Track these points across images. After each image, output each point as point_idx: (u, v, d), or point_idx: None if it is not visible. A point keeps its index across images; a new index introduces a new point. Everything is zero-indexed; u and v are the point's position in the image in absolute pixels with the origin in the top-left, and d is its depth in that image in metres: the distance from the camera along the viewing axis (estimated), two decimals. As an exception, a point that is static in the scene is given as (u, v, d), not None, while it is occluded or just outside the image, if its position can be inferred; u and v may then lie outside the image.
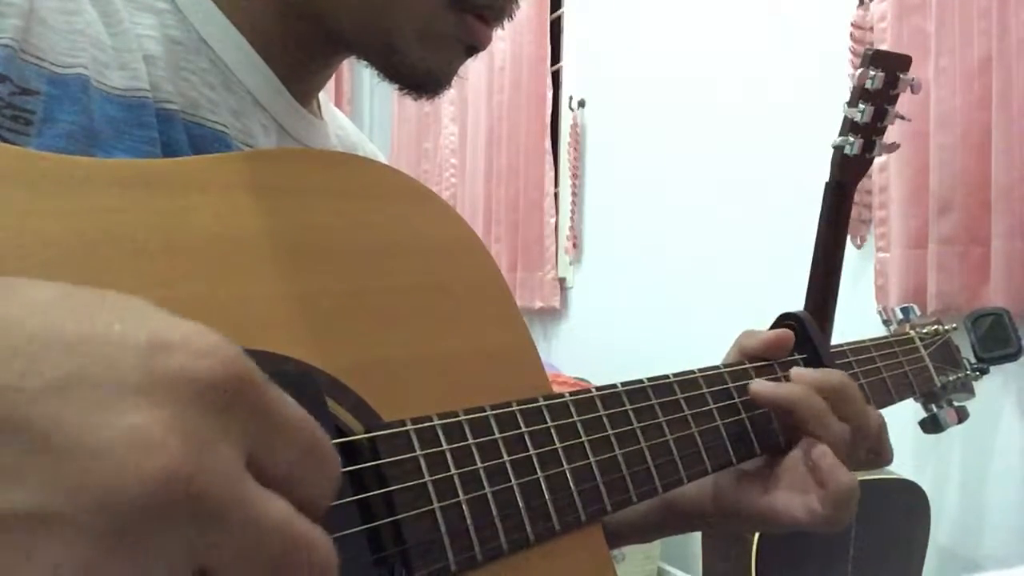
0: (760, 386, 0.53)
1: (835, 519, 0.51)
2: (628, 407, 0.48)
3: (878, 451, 0.56)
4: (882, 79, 1.19)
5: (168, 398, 0.22)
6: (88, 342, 0.22)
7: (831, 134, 1.24)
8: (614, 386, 0.48)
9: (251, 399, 0.24)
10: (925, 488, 1.45)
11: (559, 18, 2.99)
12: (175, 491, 0.21)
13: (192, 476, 0.21)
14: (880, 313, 0.77)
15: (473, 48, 0.49)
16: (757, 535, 1.36)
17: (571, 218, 2.84)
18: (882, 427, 0.56)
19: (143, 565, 0.21)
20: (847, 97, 1.22)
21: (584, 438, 0.44)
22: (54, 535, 0.20)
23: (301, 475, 0.25)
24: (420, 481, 0.37)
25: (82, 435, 0.20)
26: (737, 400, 0.53)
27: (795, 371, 0.55)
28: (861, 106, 1.20)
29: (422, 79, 0.48)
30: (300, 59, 0.50)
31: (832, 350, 0.61)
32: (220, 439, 0.22)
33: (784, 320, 0.60)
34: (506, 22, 0.50)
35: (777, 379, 0.56)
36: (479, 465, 0.39)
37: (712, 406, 0.52)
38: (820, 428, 0.52)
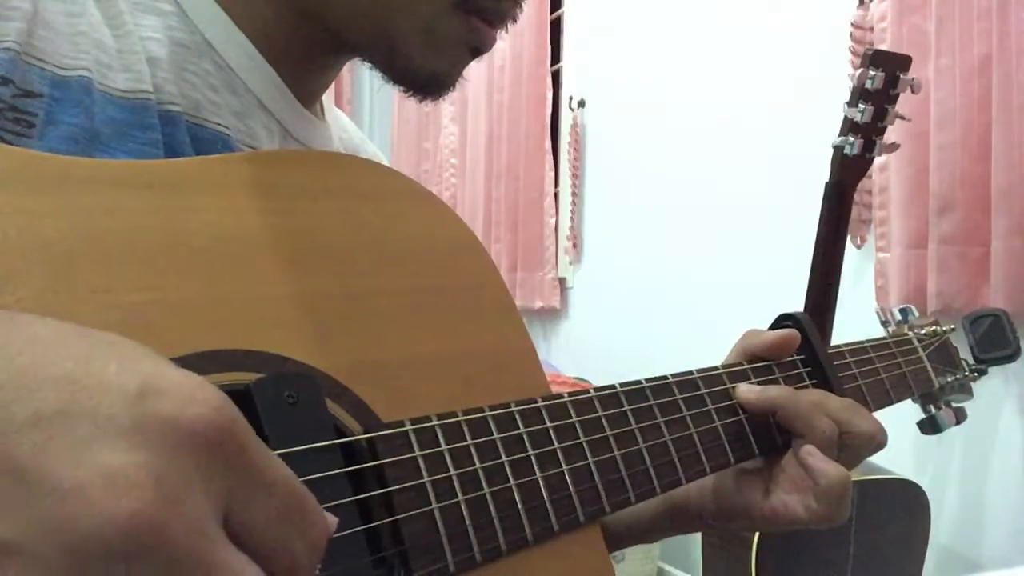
0: (743, 390, 0.54)
1: (833, 514, 0.51)
2: (627, 408, 0.48)
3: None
4: (882, 79, 1.19)
5: (151, 442, 0.22)
6: (81, 380, 0.22)
7: (831, 134, 1.24)
8: (613, 387, 0.48)
9: (235, 452, 0.23)
10: (925, 488, 1.45)
11: (559, 18, 2.99)
12: (141, 537, 0.21)
13: (159, 524, 0.21)
14: (878, 314, 0.77)
15: (477, 50, 0.49)
16: (757, 535, 1.36)
17: (571, 218, 2.84)
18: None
19: None
20: (847, 97, 1.22)
21: (583, 439, 0.45)
22: (14, 567, 0.20)
23: (279, 535, 0.24)
24: (419, 481, 0.37)
25: (58, 471, 0.21)
26: (736, 401, 0.54)
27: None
28: (861, 106, 1.20)
29: (426, 81, 0.49)
30: (304, 61, 0.50)
31: (830, 351, 0.61)
32: (196, 489, 0.22)
33: (783, 321, 0.60)
34: (509, 24, 0.50)
35: (774, 380, 0.56)
36: (478, 466, 0.39)
37: (711, 407, 0.52)
38: (805, 428, 0.52)
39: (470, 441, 0.40)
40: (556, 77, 2.98)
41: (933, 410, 0.73)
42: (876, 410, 0.61)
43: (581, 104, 2.83)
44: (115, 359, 0.23)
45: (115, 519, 0.20)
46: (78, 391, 0.22)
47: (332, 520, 0.27)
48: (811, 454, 0.51)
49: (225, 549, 0.23)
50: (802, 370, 0.59)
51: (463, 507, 0.38)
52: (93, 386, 0.22)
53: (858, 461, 0.55)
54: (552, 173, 2.93)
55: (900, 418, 0.74)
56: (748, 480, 0.55)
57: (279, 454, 0.32)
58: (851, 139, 1.21)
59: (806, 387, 0.58)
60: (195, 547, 0.22)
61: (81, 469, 0.21)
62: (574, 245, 2.83)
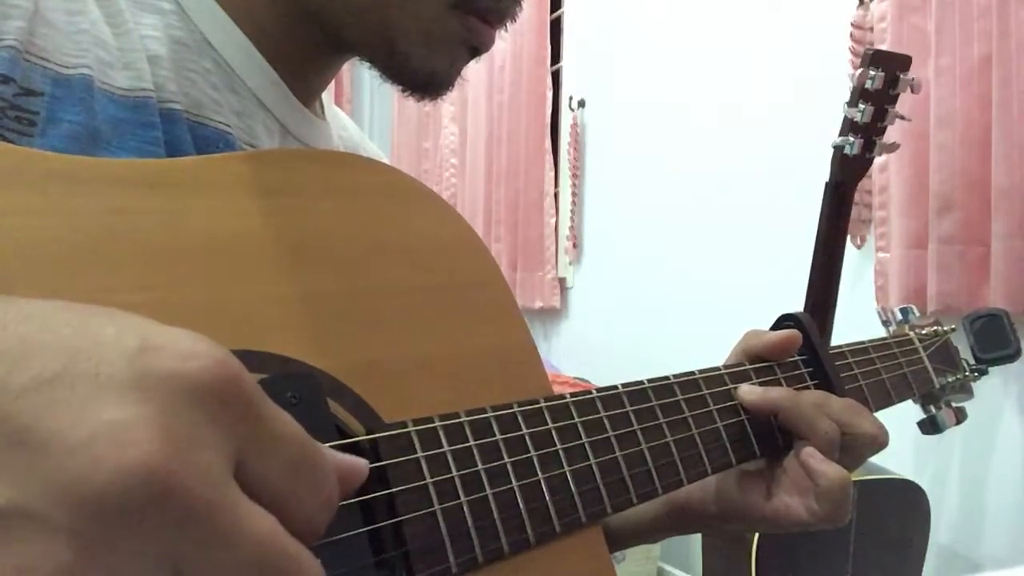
0: (745, 391, 0.54)
1: (834, 516, 0.51)
2: (628, 408, 0.48)
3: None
4: (882, 79, 1.19)
5: (155, 396, 0.21)
6: (79, 344, 0.22)
7: (831, 134, 1.24)
8: (614, 387, 0.48)
9: (242, 403, 0.23)
10: (925, 488, 1.45)
11: (559, 18, 2.99)
12: (151, 488, 0.20)
13: (171, 474, 0.21)
14: (879, 314, 0.77)
15: (476, 50, 0.49)
16: (757, 535, 1.36)
17: (571, 218, 2.84)
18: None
19: (116, 568, 0.20)
20: (847, 97, 1.22)
21: (585, 439, 0.45)
22: (28, 532, 0.20)
23: (292, 489, 0.24)
24: (421, 482, 0.37)
25: (61, 431, 0.20)
26: (737, 402, 0.54)
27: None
28: (861, 106, 1.19)
29: (425, 81, 0.49)
30: (303, 60, 0.50)
31: (831, 351, 0.61)
32: (206, 440, 0.22)
33: (784, 321, 0.60)
34: (508, 24, 0.50)
35: (776, 381, 0.56)
36: (480, 466, 0.39)
37: (712, 407, 0.52)
38: (806, 429, 0.52)
39: (472, 442, 0.39)
40: (556, 77, 2.98)
41: (933, 410, 0.73)
42: (877, 410, 0.61)
43: (581, 104, 2.83)
44: (112, 323, 0.23)
45: (125, 470, 0.20)
46: (77, 353, 0.21)
47: (363, 463, 0.27)
48: (812, 456, 0.51)
49: (239, 499, 0.22)
50: (803, 371, 0.59)
51: (465, 508, 0.38)
52: (91, 347, 0.22)
53: (860, 462, 0.55)
54: (552, 173, 2.93)
55: (900, 418, 0.74)
56: (750, 481, 0.55)
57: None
58: (851, 139, 1.21)
59: (807, 387, 0.57)
60: (208, 496, 0.21)
61: (84, 425, 0.20)
62: (574, 245, 2.83)
